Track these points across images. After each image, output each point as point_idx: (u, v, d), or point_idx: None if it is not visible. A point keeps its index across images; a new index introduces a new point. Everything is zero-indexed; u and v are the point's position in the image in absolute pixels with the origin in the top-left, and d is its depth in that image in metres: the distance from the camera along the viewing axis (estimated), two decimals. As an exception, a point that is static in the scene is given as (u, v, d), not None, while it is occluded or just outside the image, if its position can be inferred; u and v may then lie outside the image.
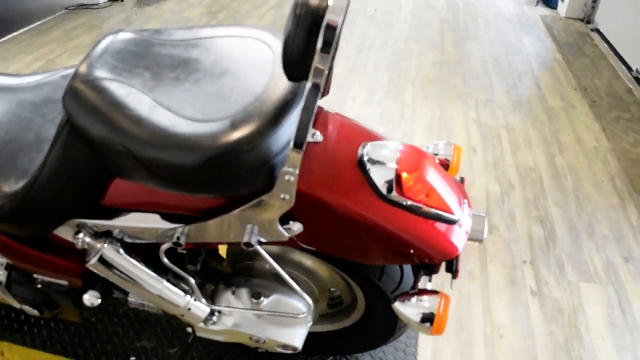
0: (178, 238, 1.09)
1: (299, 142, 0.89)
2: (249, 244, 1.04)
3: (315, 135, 1.10)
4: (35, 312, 1.45)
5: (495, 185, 2.54)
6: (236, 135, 0.91)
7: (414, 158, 1.05)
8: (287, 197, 0.99)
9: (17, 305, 1.46)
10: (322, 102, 3.25)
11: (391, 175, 1.02)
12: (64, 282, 1.31)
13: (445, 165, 1.25)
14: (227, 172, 0.94)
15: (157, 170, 0.96)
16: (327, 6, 0.79)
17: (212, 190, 0.99)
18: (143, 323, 1.80)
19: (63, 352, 1.72)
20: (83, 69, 1.02)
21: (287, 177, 0.95)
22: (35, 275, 1.33)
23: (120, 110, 0.95)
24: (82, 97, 0.97)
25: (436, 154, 1.27)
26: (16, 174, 1.15)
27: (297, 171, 0.94)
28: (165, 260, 1.16)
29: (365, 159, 1.05)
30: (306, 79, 0.86)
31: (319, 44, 0.80)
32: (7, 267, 1.41)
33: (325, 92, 1.20)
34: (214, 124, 0.93)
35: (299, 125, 0.88)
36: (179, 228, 1.10)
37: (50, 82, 1.32)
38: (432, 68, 3.79)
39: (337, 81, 3.53)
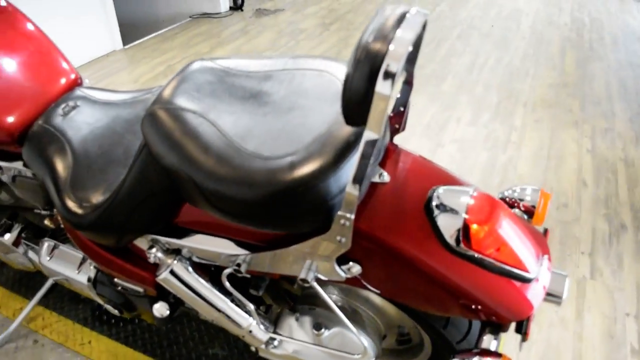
0: (239, 265, 1.10)
1: (354, 187, 0.86)
2: (305, 280, 1.02)
3: (382, 176, 1.06)
4: (116, 311, 1.54)
5: (604, 224, 2.32)
6: (293, 175, 0.90)
7: (487, 208, 0.97)
8: (343, 240, 0.96)
9: (101, 302, 1.55)
10: (417, 124, 3.17)
11: (459, 225, 0.95)
12: (140, 289, 1.38)
13: (530, 212, 1.15)
14: (282, 210, 0.93)
15: (216, 201, 0.97)
16: (387, 51, 0.75)
17: (267, 226, 0.98)
18: (218, 331, 1.85)
19: (143, 348, 1.81)
20: (162, 96, 1.06)
21: (342, 222, 0.92)
22: (116, 280, 1.41)
23: (189, 141, 0.97)
24: (157, 124, 1.01)
25: (521, 200, 1.17)
26: (103, 187, 1.23)
27: (353, 216, 0.91)
28: (227, 284, 1.17)
29: (434, 204, 0.99)
30: (364, 124, 0.82)
31: (378, 89, 0.76)
32: (95, 267, 1.51)
33: (401, 128, 1.15)
34: (273, 161, 0.92)
35: (356, 172, 0.85)
36: (241, 255, 1.10)
37: (144, 100, 1.39)
38: (548, 90, 3.56)
39: (441, 100, 3.43)
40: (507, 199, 1.18)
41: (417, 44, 0.97)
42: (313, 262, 1.03)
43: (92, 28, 4.22)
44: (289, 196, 0.91)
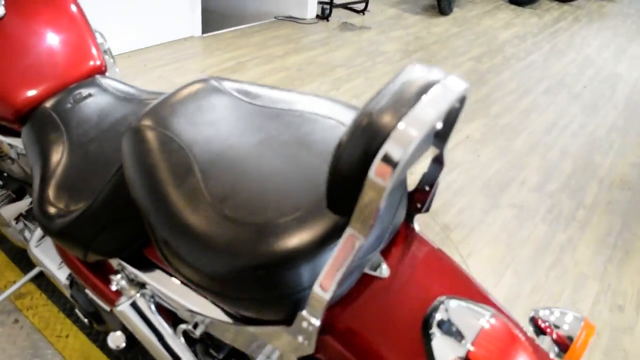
0: (196, 324, 0.93)
1: (323, 289, 0.66)
2: None
3: (380, 268, 0.85)
4: (85, 320, 1.41)
5: (661, 343, 2.01)
6: (253, 253, 0.71)
7: (501, 343, 0.74)
8: (306, 342, 0.76)
9: (75, 306, 1.43)
10: (477, 177, 2.91)
11: (459, 356, 0.74)
12: (107, 308, 1.24)
13: (564, 345, 0.91)
14: (235, 289, 0.75)
15: (167, 253, 0.81)
16: (392, 130, 0.56)
17: (217, 298, 0.80)
18: None
19: (116, 357, 1.68)
20: (153, 111, 0.91)
21: (305, 324, 0.73)
22: (87, 291, 1.28)
23: (156, 173, 0.81)
24: (134, 142, 0.86)
25: (557, 327, 0.93)
26: (83, 194, 1.09)
27: (319, 322, 0.71)
28: (182, 339, 1.01)
29: (436, 318, 0.77)
30: (348, 215, 0.63)
31: (371, 177, 0.57)
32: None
33: (423, 209, 0.94)
34: (237, 228, 0.73)
35: (327, 273, 0.65)
36: (199, 315, 0.93)
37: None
38: (631, 170, 3.21)
39: (510, 157, 3.15)
40: (540, 321, 0.95)
41: (451, 119, 0.76)
42: (275, 350, 0.84)
43: (175, 11, 4.21)
44: (246, 276, 0.72)
